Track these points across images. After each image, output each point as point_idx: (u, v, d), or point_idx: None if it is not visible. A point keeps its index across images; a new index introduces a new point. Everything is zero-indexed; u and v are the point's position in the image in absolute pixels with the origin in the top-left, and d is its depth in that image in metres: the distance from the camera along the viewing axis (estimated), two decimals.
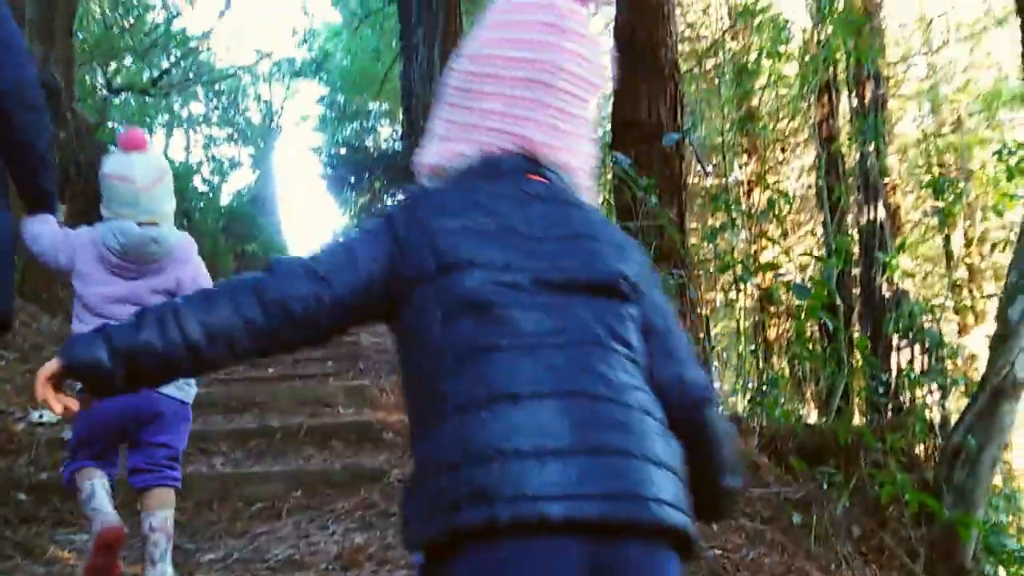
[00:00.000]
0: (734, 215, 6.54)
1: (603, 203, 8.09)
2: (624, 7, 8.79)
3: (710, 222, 12.19)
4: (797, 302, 7.43)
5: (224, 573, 3.45)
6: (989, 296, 13.75)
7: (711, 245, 7.52)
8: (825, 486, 5.21)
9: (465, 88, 1.75)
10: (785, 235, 17.91)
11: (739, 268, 6.22)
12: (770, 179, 17.18)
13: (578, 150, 1.78)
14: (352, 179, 22.81)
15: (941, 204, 10.61)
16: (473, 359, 1.45)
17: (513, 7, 1.80)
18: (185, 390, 3.29)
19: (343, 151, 22.36)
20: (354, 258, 1.59)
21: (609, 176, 8.12)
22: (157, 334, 1.49)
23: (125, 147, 3.21)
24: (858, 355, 7.11)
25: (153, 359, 1.50)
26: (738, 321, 7.62)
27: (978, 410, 5.62)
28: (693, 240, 10.84)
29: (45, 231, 3.19)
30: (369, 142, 24.62)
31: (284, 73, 25.69)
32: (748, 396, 6.27)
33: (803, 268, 16.76)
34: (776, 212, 6.04)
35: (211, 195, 20.02)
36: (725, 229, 6.26)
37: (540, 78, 1.70)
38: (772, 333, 15.95)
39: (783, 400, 6.16)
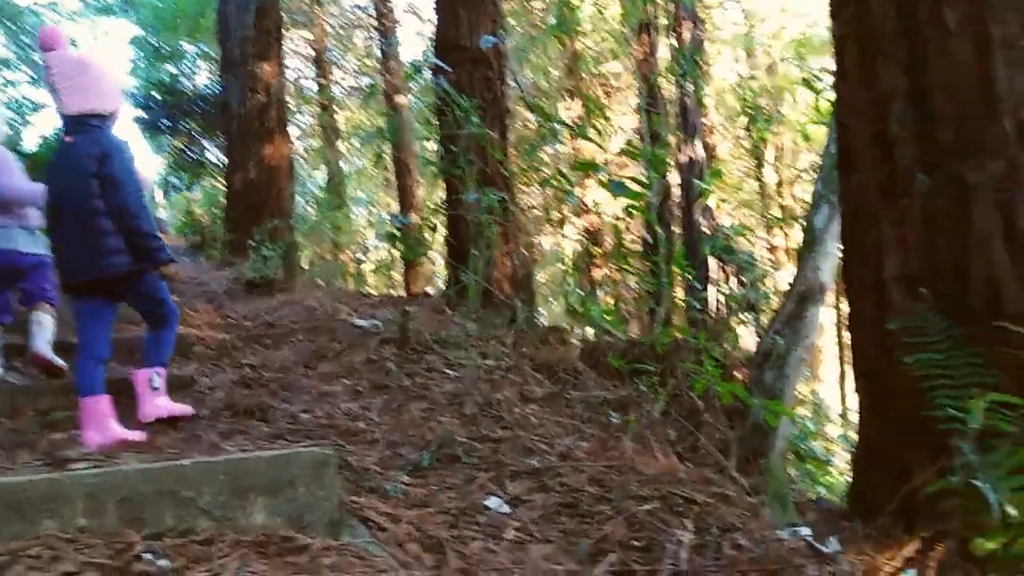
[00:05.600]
0: (553, 123, 6.48)
1: (426, 124, 7.97)
2: None
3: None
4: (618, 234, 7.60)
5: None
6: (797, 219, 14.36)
7: (533, 163, 7.50)
8: (644, 389, 5.30)
9: None
10: (610, 176, 18.20)
11: (561, 181, 6.21)
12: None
13: None
14: (167, 123, 21.86)
15: (755, 136, 10.98)
16: None
17: None
18: (39, 245, 4.81)
19: (157, 95, 21.36)
20: None
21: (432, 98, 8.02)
22: None
23: None
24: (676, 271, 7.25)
25: None
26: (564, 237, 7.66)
27: (786, 314, 5.84)
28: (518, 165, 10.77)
29: None
30: (185, 85, 23.56)
31: (92, 11, 24.26)
32: (567, 307, 6.30)
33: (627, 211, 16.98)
34: (594, 123, 6.05)
35: (13, 139, 18.70)
36: (545, 141, 6.22)
37: None
38: (597, 274, 16.26)
39: (602, 313, 6.22)
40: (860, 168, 3.71)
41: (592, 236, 17.57)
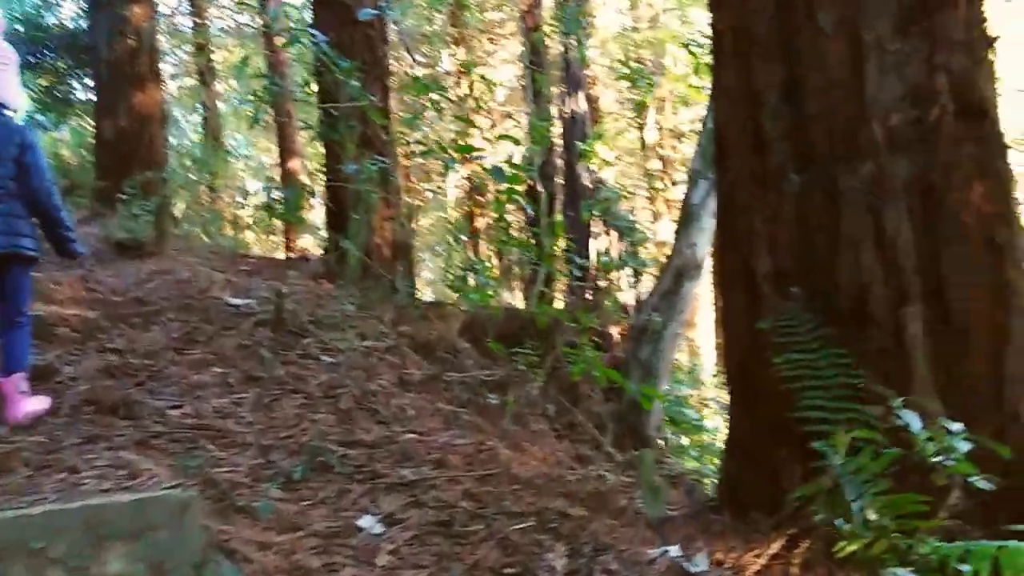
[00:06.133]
0: (438, 100, 6.37)
1: (304, 87, 7.73)
2: None
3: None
4: (501, 189, 7.51)
5: None
6: (676, 183, 14.55)
7: (415, 131, 7.32)
8: (523, 367, 5.31)
9: None
10: (493, 125, 18.15)
11: (443, 154, 6.11)
12: (479, 69, 17.27)
13: None
14: (32, 59, 20.75)
15: (637, 95, 11.00)
16: None
17: None
18: None
19: (20, 29, 20.22)
20: None
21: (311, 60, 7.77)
22: None
23: None
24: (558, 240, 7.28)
25: None
26: (447, 209, 7.58)
27: (663, 290, 5.92)
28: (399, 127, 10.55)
29: None
30: (51, 19, 22.35)
31: None
32: (450, 282, 6.25)
33: (509, 158, 17.00)
34: (480, 102, 5.97)
35: None
36: (427, 112, 6.10)
37: None
38: (480, 223, 16.22)
39: (486, 286, 6.18)
40: (735, 161, 3.74)
41: (473, 184, 17.47)
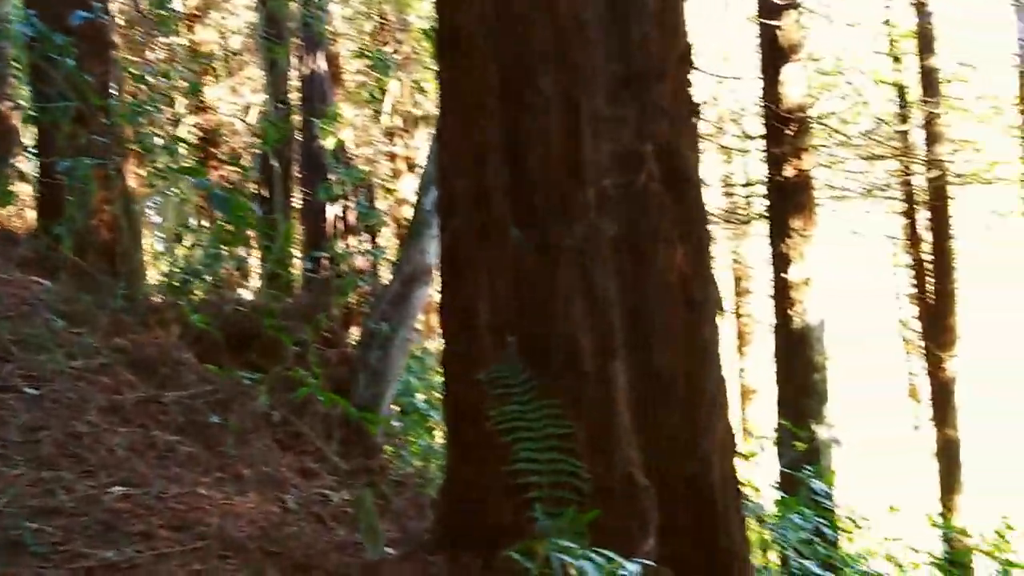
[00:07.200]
0: (157, 93, 6.06)
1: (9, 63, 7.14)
2: None
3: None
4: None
5: None
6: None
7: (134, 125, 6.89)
8: (248, 380, 5.21)
9: None
10: (231, 73, 17.46)
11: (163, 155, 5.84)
12: (215, 13, 16.55)
13: None
14: None
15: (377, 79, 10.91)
16: None
17: None
18: None
19: None
20: None
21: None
22: None
23: None
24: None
25: None
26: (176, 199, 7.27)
27: (392, 296, 5.95)
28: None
29: None
30: None
31: None
32: (169, 282, 6.00)
33: (246, 110, 16.52)
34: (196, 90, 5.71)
35: None
36: (147, 111, 5.79)
37: None
38: (214, 175, 15.58)
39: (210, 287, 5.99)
40: (458, 211, 3.81)
41: (208, 136, 16.72)
